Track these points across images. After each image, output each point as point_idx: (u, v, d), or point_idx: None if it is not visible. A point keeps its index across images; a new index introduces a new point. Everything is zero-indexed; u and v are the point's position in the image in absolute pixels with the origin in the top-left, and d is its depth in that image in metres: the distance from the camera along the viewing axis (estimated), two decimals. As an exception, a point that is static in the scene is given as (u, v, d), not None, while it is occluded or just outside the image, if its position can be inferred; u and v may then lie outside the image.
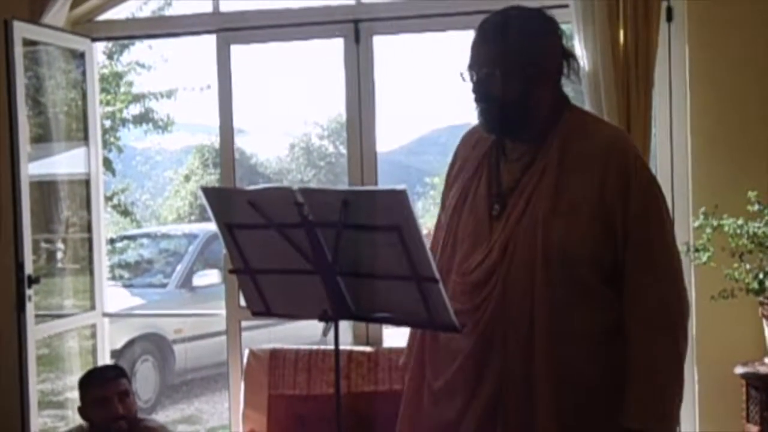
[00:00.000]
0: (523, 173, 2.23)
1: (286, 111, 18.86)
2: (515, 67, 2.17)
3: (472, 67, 2.23)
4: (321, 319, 2.18)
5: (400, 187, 1.94)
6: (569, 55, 2.27)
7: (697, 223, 3.72)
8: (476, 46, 2.24)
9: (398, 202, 1.94)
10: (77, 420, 3.51)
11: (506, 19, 2.23)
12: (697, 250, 3.69)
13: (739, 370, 3.66)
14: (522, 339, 2.15)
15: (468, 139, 2.43)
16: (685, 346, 2.17)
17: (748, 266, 3.61)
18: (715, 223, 3.64)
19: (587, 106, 3.96)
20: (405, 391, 2.45)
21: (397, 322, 2.17)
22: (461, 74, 2.25)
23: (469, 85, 2.25)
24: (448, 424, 2.27)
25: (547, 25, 2.25)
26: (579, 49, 3.93)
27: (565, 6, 3.95)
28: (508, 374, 2.17)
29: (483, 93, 2.22)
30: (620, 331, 2.17)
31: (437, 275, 1.98)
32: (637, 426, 2.10)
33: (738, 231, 3.60)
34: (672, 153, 4.07)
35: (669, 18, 4.03)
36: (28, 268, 4.19)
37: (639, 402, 2.11)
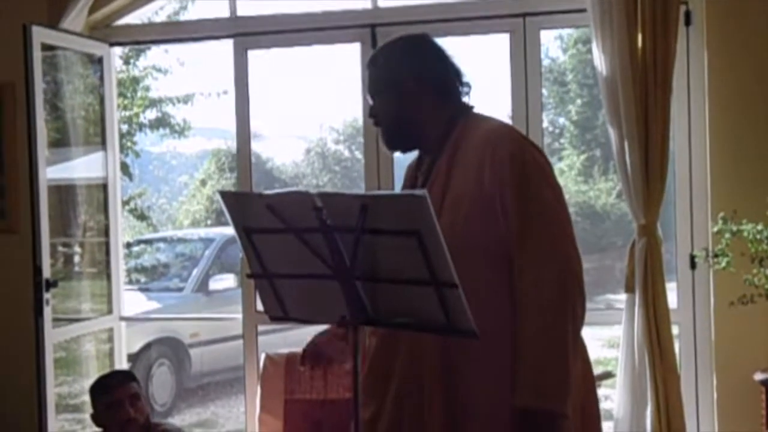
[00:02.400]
0: (424, 182, 2.40)
1: (302, 115, 18.86)
2: (384, 92, 2.42)
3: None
4: (340, 325, 2.18)
5: (419, 192, 1.95)
6: (454, 73, 2.42)
7: (716, 229, 3.70)
8: None
9: (418, 207, 1.94)
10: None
11: (378, 51, 2.50)
12: (716, 256, 3.67)
13: (759, 376, 3.63)
14: (416, 337, 2.23)
15: (409, 164, 2.61)
16: (569, 326, 2.17)
17: (767, 272, 3.59)
18: (734, 228, 3.62)
19: (604, 111, 3.94)
20: None
21: (416, 327, 2.16)
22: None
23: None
24: (368, 423, 2.36)
25: (415, 51, 2.43)
26: (597, 53, 3.92)
27: (583, 11, 3.94)
28: (407, 372, 2.28)
29: (372, 117, 2.48)
30: None
31: (456, 280, 1.98)
32: (516, 403, 2.14)
33: (757, 236, 3.58)
34: (690, 158, 4.05)
35: (687, 22, 4.01)
36: (46, 272, 4.21)
37: (517, 381, 2.15)
